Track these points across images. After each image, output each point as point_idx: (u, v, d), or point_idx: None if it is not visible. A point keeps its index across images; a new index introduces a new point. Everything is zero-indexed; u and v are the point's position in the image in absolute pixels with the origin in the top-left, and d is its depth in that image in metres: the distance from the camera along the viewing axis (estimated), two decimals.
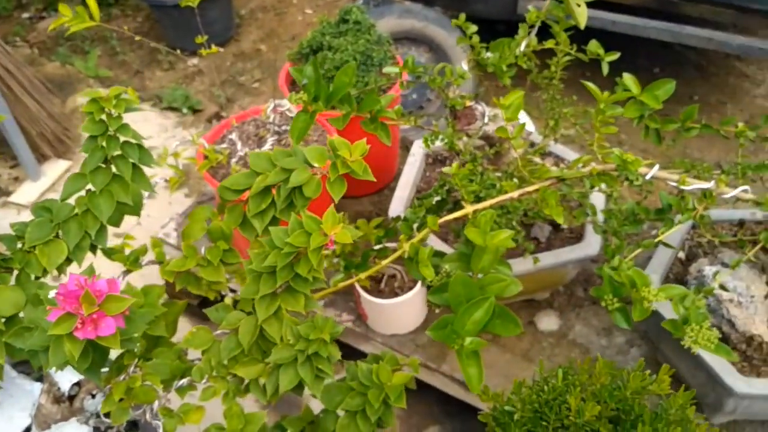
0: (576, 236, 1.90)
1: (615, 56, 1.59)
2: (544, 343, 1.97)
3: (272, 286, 0.99)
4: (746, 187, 1.32)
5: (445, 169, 1.28)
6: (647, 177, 1.28)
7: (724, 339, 1.65)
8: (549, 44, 1.63)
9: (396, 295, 1.90)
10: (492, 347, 1.96)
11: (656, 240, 1.29)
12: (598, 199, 1.89)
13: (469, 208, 1.23)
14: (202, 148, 1.84)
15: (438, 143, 1.51)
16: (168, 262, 1.14)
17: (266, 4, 3.86)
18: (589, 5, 3.00)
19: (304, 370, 0.98)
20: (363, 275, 1.27)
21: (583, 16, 1.54)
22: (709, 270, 1.65)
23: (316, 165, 1.03)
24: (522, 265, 1.80)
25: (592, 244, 1.80)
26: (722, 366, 1.57)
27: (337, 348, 1.00)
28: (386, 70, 1.42)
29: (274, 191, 1.06)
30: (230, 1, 3.55)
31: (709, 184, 1.29)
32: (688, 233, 1.86)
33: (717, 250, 1.80)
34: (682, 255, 1.85)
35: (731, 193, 1.30)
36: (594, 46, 1.62)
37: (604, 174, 1.26)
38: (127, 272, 1.18)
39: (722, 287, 1.55)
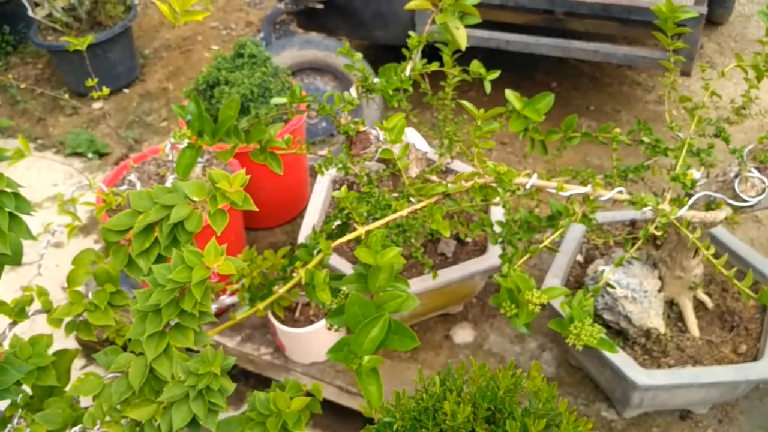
0: (480, 248, 1.95)
1: (496, 75, 1.66)
2: (461, 355, 2.01)
3: (159, 324, 0.98)
4: (621, 188, 1.40)
5: (335, 194, 1.30)
6: (527, 186, 1.34)
7: (624, 334, 1.73)
8: (433, 67, 1.70)
9: (311, 323, 1.90)
10: (411, 364, 1.99)
11: (541, 245, 1.34)
12: (498, 211, 1.96)
13: (361, 230, 1.25)
14: (100, 192, 1.80)
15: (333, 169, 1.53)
16: (54, 310, 1.12)
17: (171, 42, 3.83)
18: (485, 27, 3.12)
19: (196, 406, 0.97)
20: (262, 305, 1.28)
21: (462, 38, 1.61)
22: (608, 270, 1.73)
23: (196, 199, 1.03)
24: (431, 280, 1.84)
25: (494, 255, 1.85)
26: (624, 361, 1.64)
27: (229, 380, 1.00)
28: (274, 101, 1.44)
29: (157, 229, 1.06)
30: (132, 42, 3.51)
31: (585, 189, 1.36)
32: (584, 237, 1.94)
33: (612, 250, 1.89)
34: (580, 258, 1.93)
35: (607, 195, 1.37)
36: (475, 66, 1.69)
37: (485, 186, 1.31)
38: (14, 324, 1.14)
39: (609, 285, 1.63)
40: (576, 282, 1.87)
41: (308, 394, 1.25)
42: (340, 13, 2.96)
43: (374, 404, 1.07)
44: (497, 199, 1.53)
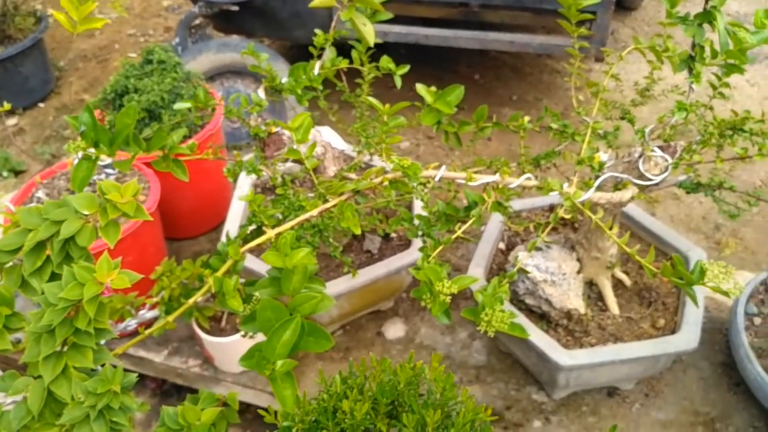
0: (405, 243, 1.96)
1: (405, 69, 1.66)
2: (393, 351, 2.01)
3: (53, 345, 0.94)
4: (529, 175, 1.42)
5: (241, 197, 1.28)
6: (436, 178, 1.34)
7: (546, 317, 1.76)
8: (343, 64, 1.69)
9: (238, 331, 1.87)
10: (343, 365, 1.98)
11: (453, 236, 1.35)
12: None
13: (270, 233, 1.23)
14: (7, 212, 1.73)
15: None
16: None
17: (87, 52, 3.71)
18: (405, 22, 3.11)
19: (98, 427, 0.94)
20: (171, 318, 1.24)
21: (370, 34, 1.60)
22: (523, 255, 1.76)
23: (86, 213, 0.99)
24: (357, 278, 1.83)
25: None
26: (547, 344, 1.67)
27: (132, 397, 0.97)
28: (176, 106, 1.41)
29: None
30: (45, 54, 3.39)
31: (494, 177, 1.38)
32: (505, 224, 1.97)
33: (532, 236, 1.92)
34: (503, 245, 1.96)
35: (516, 182, 1.39)
36: (385, 61, 1.69)
37: (395, 181, 1.31)
38: None
39: (523, 270, 1.66)
40: (499, 269, 1.89)
41: (225, 404, 1.22)
42: (257, 14, 2.92)
43: (289, 409, 1.05)
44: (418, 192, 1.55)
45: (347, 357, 2.00)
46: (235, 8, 2.81)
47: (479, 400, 1.89)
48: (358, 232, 1.23)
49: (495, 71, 3.50)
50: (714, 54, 1.53)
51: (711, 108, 1.65)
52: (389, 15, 1.65)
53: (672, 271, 1.21)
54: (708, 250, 2.53)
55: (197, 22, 3.00)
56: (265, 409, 1.76)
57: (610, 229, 1.81)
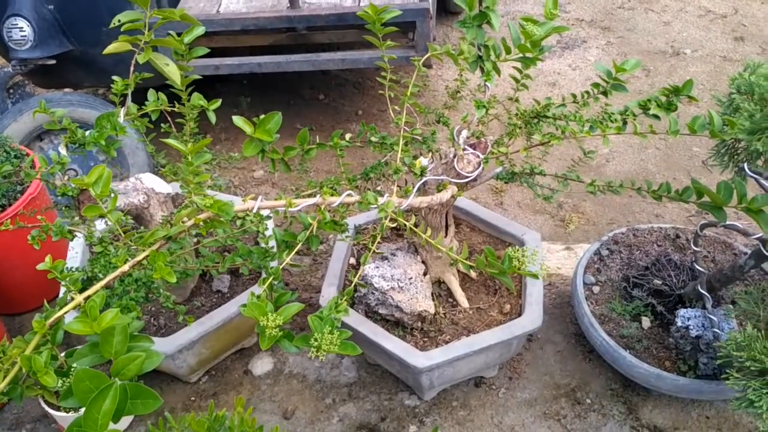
0: (255, 278, 1.94)
1: (217, 104, 1.65)
2: (263, 386, 1.98)
3: None
4: (349, 192, 1.44)
5: (39, 266, 1.22)
6: (254, 210, 1.34)
7: (401, 324, 1.79)
8: (152, 106, 1.65)
9: None
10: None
11: (281, 266, 1.35)
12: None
13: (78, 298, 1.18)
14: None
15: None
16: None
17: None
18: (234, 53, 3.08)
19: None
20: None
21: (175, 74, 1.57)
22: (369, 269, 1.78)
23: None
24: (208, 323, 1.79)
25: None
26: (403, 350, 1.70)
27: None
28: None
29: None
30: None
31: (314, 200, 1.39)
32: (353, 240, 1.99)
33: (380, 246, 1.95)
34: (354, 260, 1.98)
35: (337, 200, 1.41)
36: (196, 98, 1.67)
37: (211, 220, 1.29)
38: None
39: (361, 285, 1.69)
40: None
41: None
42: (79, 65, 2.81)
43: None
44: (256, 229, 1.55)
45: (216, 402, 1.95)
46: (52, 62, 2.68)
47: (354, 417, 1.89)
48: (173, 280, 1.20)
49: (339, 89, 3.55)
50: (507, 50, 1.62)
51: (516, 100, 1.75)
52: (206, 50, 1.64)
53: (485, 262, 1.26)
54: (554, 228, 2.68)
55: (15, 81, 2.84)
56: None
57: (447, 226, 1.88)
